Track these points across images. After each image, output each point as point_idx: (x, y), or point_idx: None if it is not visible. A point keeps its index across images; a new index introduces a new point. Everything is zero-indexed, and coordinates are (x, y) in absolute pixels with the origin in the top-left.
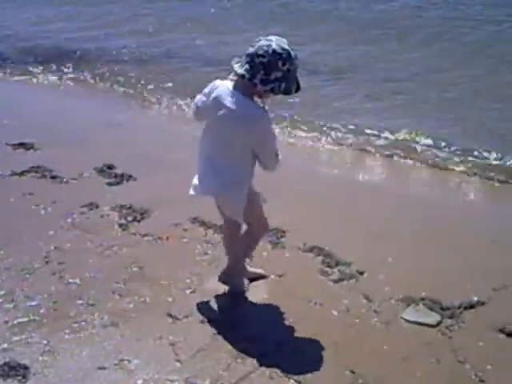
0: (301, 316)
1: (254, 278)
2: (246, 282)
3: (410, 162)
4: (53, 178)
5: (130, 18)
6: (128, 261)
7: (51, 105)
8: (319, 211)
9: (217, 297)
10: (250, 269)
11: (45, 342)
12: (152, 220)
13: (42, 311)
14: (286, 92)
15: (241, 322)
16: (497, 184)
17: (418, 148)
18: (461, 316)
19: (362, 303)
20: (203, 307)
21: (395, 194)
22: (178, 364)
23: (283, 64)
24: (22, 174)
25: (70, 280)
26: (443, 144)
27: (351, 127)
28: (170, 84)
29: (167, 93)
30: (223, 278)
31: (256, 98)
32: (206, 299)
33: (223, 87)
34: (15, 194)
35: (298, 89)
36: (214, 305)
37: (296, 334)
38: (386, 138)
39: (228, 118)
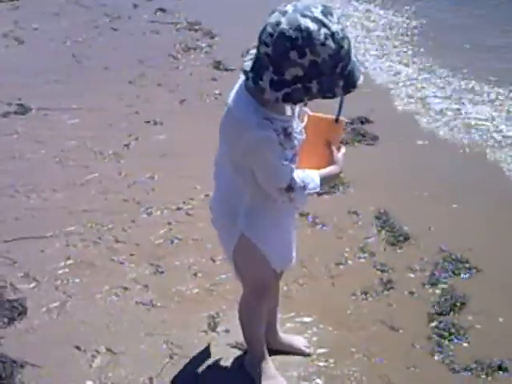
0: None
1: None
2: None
3: None
4: None
5: None
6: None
7: None
8: None
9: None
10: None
11: None
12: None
13: None
14: (325, 96)
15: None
16: None
17: None
18: None
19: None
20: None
21: None
22: None
23: (301, 55)
24: None
25: None
26: None
27: None
28: None
29: None
30: None
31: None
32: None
33: (239, 83)
34: None
35: (350, 86)
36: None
37: None
38: None
39: (225, 119)
